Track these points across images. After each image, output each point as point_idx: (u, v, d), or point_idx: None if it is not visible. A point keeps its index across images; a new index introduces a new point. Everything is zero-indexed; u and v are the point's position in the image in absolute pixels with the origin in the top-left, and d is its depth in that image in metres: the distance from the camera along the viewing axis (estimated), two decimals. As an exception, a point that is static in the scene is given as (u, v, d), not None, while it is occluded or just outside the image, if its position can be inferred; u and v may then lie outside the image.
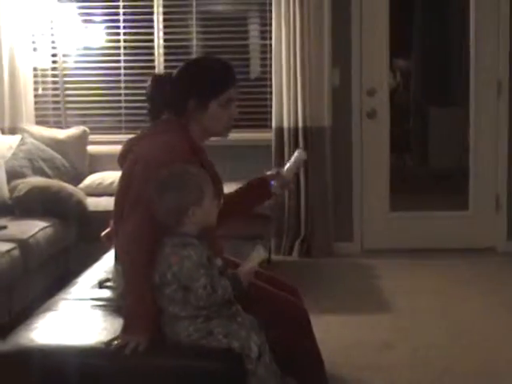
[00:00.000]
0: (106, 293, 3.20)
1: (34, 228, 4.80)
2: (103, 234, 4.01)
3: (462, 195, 6.63)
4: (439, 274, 5.78)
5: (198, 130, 3.00)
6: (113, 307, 3.00)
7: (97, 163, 6.12)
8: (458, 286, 5.44)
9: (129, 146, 3.03)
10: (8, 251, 4.31)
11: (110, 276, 3.33)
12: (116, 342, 2.60)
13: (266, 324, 2.76)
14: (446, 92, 8.79)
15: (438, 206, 6.85)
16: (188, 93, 2.95)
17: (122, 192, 2.89)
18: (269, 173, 3.35)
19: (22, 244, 4.49)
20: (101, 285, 3.31)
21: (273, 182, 3.27)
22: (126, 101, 6.47)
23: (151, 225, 2.68)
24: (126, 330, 2.64)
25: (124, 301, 2.78)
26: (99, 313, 2.96)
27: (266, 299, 2.99)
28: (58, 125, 6.42)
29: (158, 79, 3.07)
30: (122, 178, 2.94)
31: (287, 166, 3.38)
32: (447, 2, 8.26)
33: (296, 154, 3.39)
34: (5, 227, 4.70)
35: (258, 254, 2.77)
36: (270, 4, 6.22)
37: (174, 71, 3.05)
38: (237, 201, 3.30)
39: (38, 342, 2.68)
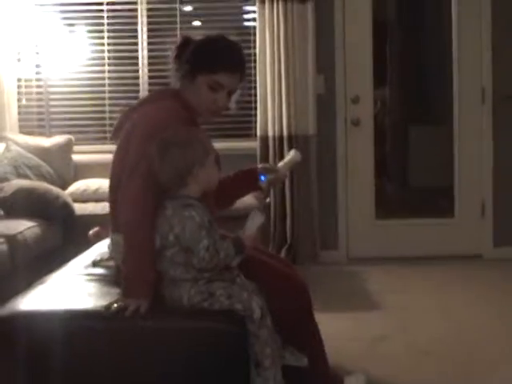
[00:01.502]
0: (101, 270, 3.15)
1: (21, 226, 4.77)
2: (91, 232, 3.99)
3: (446, 214, 6.64)
4: (426, 279, 5.75)
5: (188, 100, 2.98)
6: (109, 280, 2.96)
7: (81, 172, 6.08)
8: (445, 289, 5.43)
9: (124, 117, 3.03)
10: (-5, 245, 4.27)
11: (104, 256, 3.29)
12: (116, 306, 2.56)
13: (266, 295, 2.72)
14: (426, 111, 8.82)
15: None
16: (186, 58, 2.95)
17: (119, 160, 2.86)
18: (261, 166, 3.31)
19: (10, 239, 4.46)
20: (95, 264, 3.27)
21: (263, 177, 3.22)
22: (110, 111, 6.44)
23: (152, 187, 2.66)
24: (125, 293, 2.61)
25: (122, 271, 2.74)
26: (95, 284, 2.92)
27: (266, 271, 2.96)
28: (43, 135, 6.37)
29: (186, 39, 3.06)
30: (119, 147, 2.91)
31: (281, 163, 3.36)
32: (424, 15, 8.29)
33: (291, 153, 3.35)
34: (-9, 225, 4.67)
35: (255, 220, 2.75)
36: (254, 13, 6.25)
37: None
38: (222, 187, 3.24)
39: (34, 307, 2.64)
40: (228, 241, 2.62)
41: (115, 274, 2.97)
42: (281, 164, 3.36)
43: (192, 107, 2.95)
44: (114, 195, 2.88)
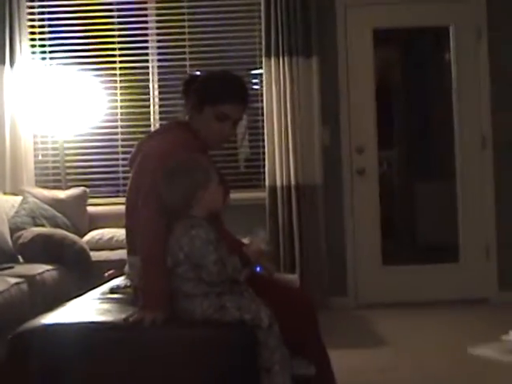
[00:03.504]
0: (119, 296, 3.32)
1: (40, 269, 4.96)
2: (107, 274, 4.17)
3: (451, 259, 6.79)
4: (433, 321, 5.88)
5: (196, 130, 3.19)
6: (127, 302, 3.13)
7: (95, 222, 6.27)
8: (452, 330, 5.57)
9: (138, 148, 3.23)
10: (17, 284, 4.45)
11: (121, 284, 3.47)
12: (134, 317, 2.74)
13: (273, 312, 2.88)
14: (431, 167, 9.01)
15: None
16: (194, 91, 3.18)
17: (134, 188, 3.07)
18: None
19: (29, 280, 4.64)
20: (113, 291, 3.44)
21: (258, 268, 3.23)
22: (123, 165, 6.63)
23: (164, 211, 2.86)
24: (143, 306, 2.79)
25: (139, 287, 2.93)
26: (113, 304, 3.10)
27: (273, 290, 3.12)
28: (58, 189, 6.57)
29: (192, 76, 3.33)
30: (133, 176, 3.12)
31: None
32: (426, 77, 8.55)
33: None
34: (11, 267, 4.84)
35: (259, 237, 2.94)
36: (261, 68, 6.51)
37: None
38: None
39: (55, 321, 2.83)
40: (234, 256, 2.80)
41: (132, 297, 3.14)
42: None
43: (200, 137, 3.16)
44: (129, 220, 3.09)
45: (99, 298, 3.25)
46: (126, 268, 3.23)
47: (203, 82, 3.21)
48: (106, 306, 3.07)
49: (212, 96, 3.15)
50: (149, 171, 2.96)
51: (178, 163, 2.88)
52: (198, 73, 3.37)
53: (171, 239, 2.82)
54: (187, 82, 3.28)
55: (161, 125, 6.62)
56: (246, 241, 3.19)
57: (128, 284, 3.35)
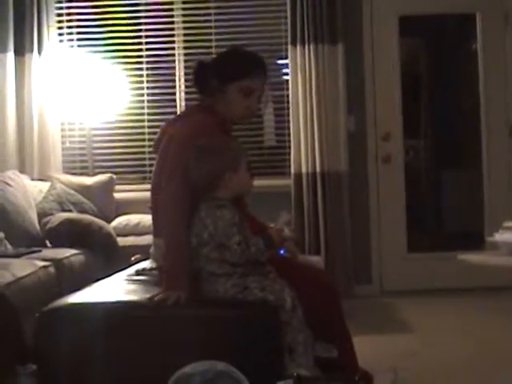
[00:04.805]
0: (144, 277, 3.36)
1: (67, 253, 5.03)
2: (133, 258, 4.21)
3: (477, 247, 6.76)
4: (459, 309, 5.86)
5: (221, 112, 3.21)
6: (152, 282, 3.17)
7: (122, 208, 6.33)
8: (477, 317, 5.57)
9: (162, 132, 3.27)
10: (44, 267, 4.51)
11: (147, 266, 3.51)
12: (158, 297, 2.78)
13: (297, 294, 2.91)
14: (457, 156, 8.99)
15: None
16: (212, 72, 3.19)
17: (159, 171, 3.11)
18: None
19: (57, 263, 4.70)
20: (139, 273, 3.48)
21: (282, 251, 3.29)
22: (149, 152, 6.67)
23: (187, 190, 2.90)
24: (166, 286, 2.82)
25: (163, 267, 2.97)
26: (139, 285, 3.15)
27: (296, 273, 3.15)
28: (85, 176, 6.63)
29: (201, 63, 3.31)
30: (159, 158, 3.16)
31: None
32: (454, 71, 8.52)
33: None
34: (39, 251, 4.90)
35: (284, 218, 2.98)
36: (287, 57, 6.52)
37: None
38: None
39: (83, 300, 2.87)
40: (258, 237, 2.83)
41: (157, 278, 3.18)
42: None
43: (224, 118, 3.18)
44: (155, 202, 3.12)
45: (125, 279, 3.30)
46: (152, 250, 3.27)
47: (220, 63, 3.23)
48: (132, 286, 3.12)
49: (233, 73, 3.18)
50: (173, 153, 3.01)
51: (208, 143, 2.92)
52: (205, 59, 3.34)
53: (196, 219, 2.85)
54: (197, 70, 3.28)
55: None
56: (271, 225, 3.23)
57: (154, 266, 3.39)
